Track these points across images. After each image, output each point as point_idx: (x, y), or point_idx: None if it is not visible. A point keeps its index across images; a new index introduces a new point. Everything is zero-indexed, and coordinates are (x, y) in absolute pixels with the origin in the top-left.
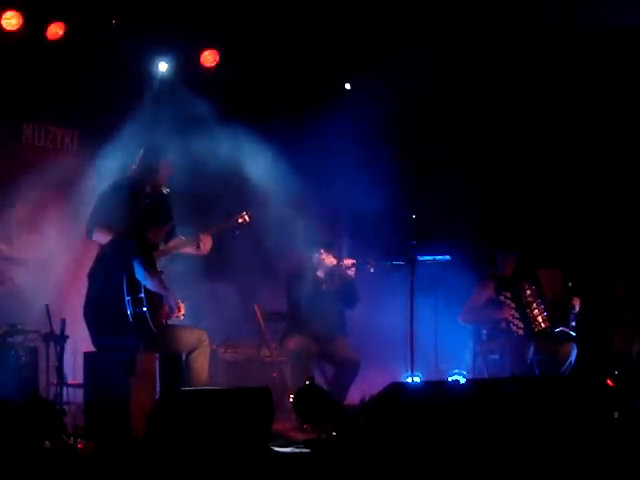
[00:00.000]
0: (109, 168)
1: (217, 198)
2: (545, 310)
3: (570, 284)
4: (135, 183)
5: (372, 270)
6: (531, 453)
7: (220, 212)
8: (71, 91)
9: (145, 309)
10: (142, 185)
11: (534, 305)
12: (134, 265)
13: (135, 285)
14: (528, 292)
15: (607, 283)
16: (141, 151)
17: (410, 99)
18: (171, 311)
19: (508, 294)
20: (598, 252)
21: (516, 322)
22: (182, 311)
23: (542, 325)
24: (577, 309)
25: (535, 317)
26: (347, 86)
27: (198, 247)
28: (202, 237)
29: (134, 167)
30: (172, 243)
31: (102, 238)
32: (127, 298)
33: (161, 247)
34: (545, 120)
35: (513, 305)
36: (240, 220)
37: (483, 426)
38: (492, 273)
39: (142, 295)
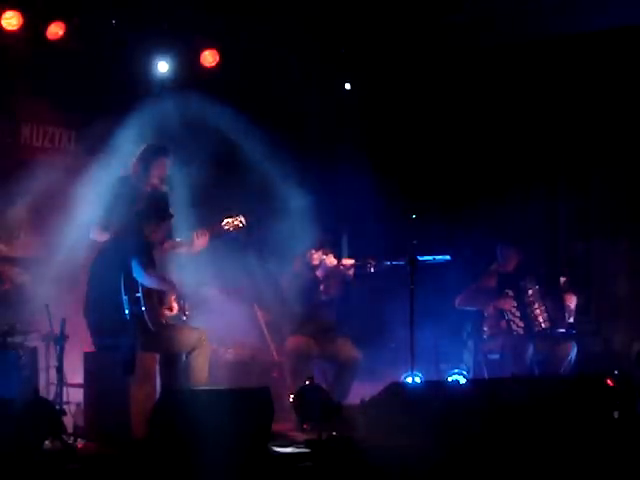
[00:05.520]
0: (107, 168)
1: (217, 198)
2: (547, 310)
3: (563, 279)
4: (132, 181)
5: (372, 270)
6: (531, 453)
7: (218, 212)
8: (70, 91)
9: (143, 308)
10: (140, 183)
11: (536, 305)
12: (132, 264)
13: (132, 284)
14: (530, 292)
15: (607, 283)
16: (139, 149)
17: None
18: (181, 299)
19: (510, 292)
20: (597, 251)
21: (516, 321)
22: (176, 310)
23: (542, 325)
24: (573, 305)
25: (536, 317)
26: (347, 86)
27: (192, 244)
28: (198, 234)
29: (132, 165)
30: (167, 244)
31: (100, 236)
32: (124, 297)
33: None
34: (542, 117)
35: (514, 304)
36: (236, 223)
37: (483, 426)
38: (495, 268)
39: (139, 294)
